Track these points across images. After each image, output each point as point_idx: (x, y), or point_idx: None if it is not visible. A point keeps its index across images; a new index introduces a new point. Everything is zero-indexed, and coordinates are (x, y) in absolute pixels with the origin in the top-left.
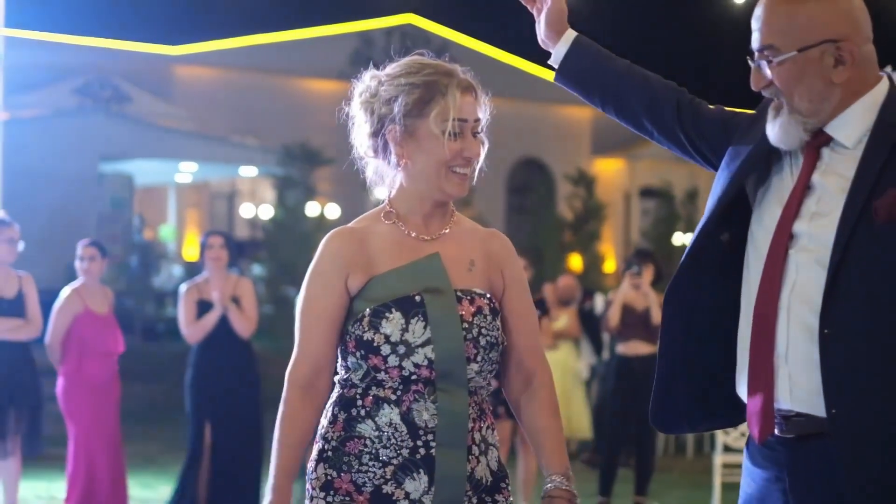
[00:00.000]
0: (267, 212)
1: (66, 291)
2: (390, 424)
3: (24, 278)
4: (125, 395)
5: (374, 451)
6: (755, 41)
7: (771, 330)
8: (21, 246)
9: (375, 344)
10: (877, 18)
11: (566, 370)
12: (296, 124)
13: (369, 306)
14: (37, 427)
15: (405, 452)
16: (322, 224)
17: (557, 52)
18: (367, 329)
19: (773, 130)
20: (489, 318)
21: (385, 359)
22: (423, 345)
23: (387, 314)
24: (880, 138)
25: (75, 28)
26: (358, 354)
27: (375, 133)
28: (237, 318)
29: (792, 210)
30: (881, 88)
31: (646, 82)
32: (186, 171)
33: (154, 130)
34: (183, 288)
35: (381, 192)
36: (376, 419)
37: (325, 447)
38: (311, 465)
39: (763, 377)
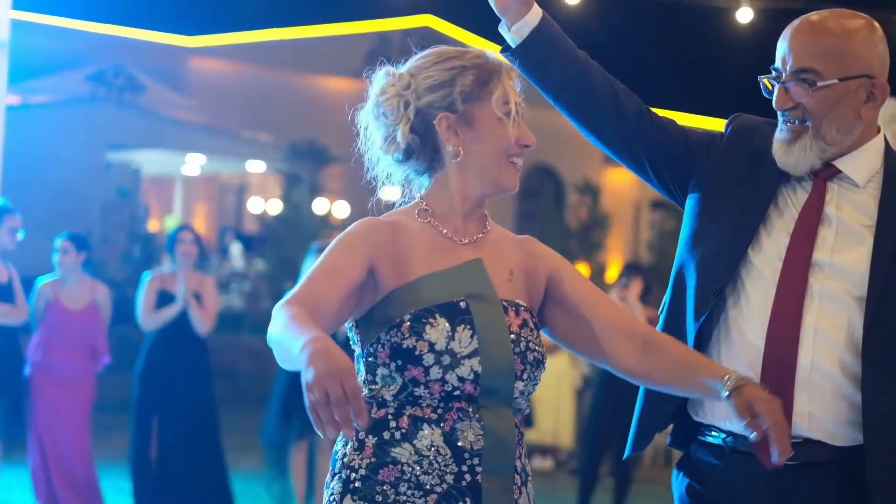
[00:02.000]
0: (276, 207)
1: (40, 282)
2: (432, 447)
3: (10, 270)
4: (124, 386)
5: (413, 479)
6: (790, 62)
7: (792, 355)
8: (21, 235)
9: (418, 352)
10: None
11: (560, 379)
12: (309, 121)
13: (409, 311)
14: (21, 413)
15: (450, 479)
16: (329, 222)
17: (523, 26)
18: (407, 335)
19: (790, 153)
20: (535, 332)
21: (427, 370)
22: (469, 356)
23: (430, 320)
24: (895, 184)
25: (89, 14)
26: (393, 366)
27: (416, 129)
28: (198, 315)
29: (808, 239)
30: (881, 137)
31: (608, 77)
32: (194, 164)
33: (164, 121)
34: (147, 276)
35: (390, 193)
36: (415, 442)
37: (353, 477)
38: (333, 498)
39: (780, 400)
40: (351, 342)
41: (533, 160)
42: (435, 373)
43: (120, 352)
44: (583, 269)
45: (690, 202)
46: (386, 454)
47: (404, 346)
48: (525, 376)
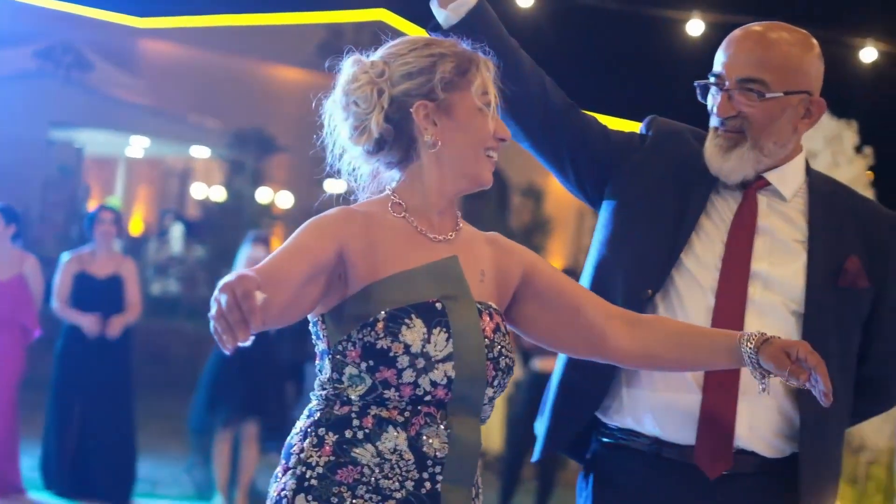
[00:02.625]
0: (219, 194)
1: None
2: (395, 451)
3: None
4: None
5: (372, 482)
6: (736, 70)
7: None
8: None
9: (392, 354)
10: None
11: None
12: (257, 109)
13: (383, 309)
14: None
15: (410, 485)
16: (272, 212)
17: (461, 5)
18: (381, 335)
19: (727, 160)
20: (506, 336)
21: (399, 373)
22: (444, 360)
23: (406, 320)
24: (821, 203)
25: None
26: (364, 366)
27: (390, 118)
28: (118, 322)
29: (746, 248)
30: (803, 154)
31: (537, 68)
32: (139, 146)
33: (110, 101)
34: (65, 257)
35: (335, 185)
36: (378, 444)
37: (308, 475)
38: (284, 494)
39: (724, 412)
40: (314, 337)
41: None
42: (408, 376)
43: (52, 329)
44: None
45: (610, 204)
46: (346, 454)
47: (378, 346)
48: (496, 383)
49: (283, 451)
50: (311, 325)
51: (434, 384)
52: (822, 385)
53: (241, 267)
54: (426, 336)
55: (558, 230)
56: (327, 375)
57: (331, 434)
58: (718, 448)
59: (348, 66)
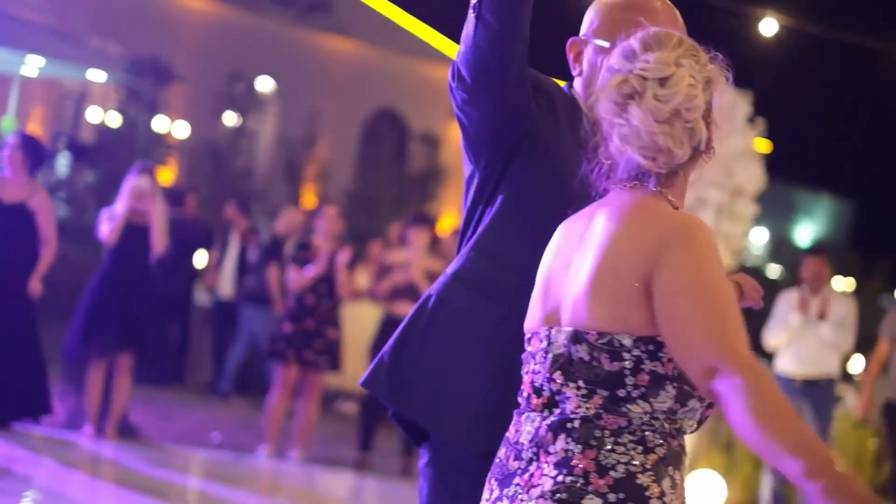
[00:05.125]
0: (115, 119)
1: None
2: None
3: None
4: None
5: None
6: None
7: None
8: None
9: None
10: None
11: (365, 326)
12: (159, 37)
13: None
14: None
15: None
16: (167, 141)
17: None
18: None
19: None
20: None
21: (707, 409)
22: None
23: None
24: None
25: None
26: (706, 402)
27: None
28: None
29: None
30: None
31: None
32: (33, 65)
33: (6, 19)
34: None
35: (231, 118)
36: (682, 472)
37: None
38: None
39: None
40: (642, 355)
41: (377, 103)
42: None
43: None
44: None
45: (512, 187)
46: (683, 492)
47: None
48: None
49: (621, 490)
50: (631, 341)
51: None
52: None
53: (125, 194)
54: None
55: (454, 178)
56: (666, 405)
57: (676, 472)
58: None
59: (667, 58)
